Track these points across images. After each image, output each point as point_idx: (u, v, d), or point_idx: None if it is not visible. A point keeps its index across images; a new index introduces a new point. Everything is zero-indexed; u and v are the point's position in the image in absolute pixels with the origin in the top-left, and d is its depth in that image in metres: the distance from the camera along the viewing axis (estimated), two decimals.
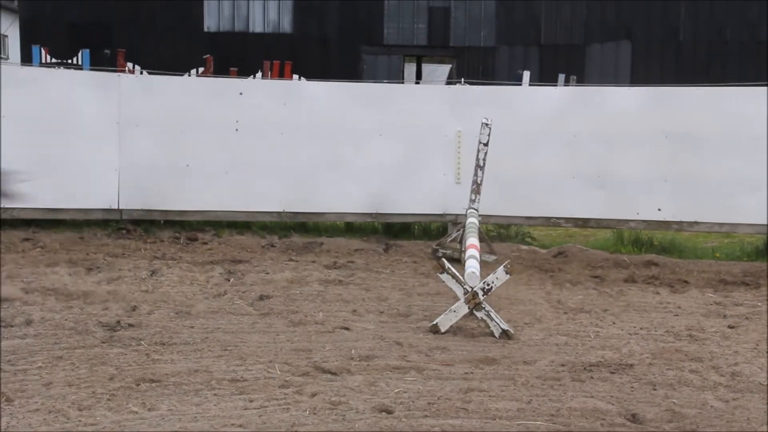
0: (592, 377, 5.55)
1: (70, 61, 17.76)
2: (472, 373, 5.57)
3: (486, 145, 9.14)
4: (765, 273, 8.98)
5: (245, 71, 16.91)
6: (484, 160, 9.19)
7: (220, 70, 16.45)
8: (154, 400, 4.85)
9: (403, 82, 19.40)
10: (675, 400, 5.15)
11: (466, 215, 8.88)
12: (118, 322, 6.43)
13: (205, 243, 9.90)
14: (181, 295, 7.46)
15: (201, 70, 17.83)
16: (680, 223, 10.08)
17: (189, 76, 15.75)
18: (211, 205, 10.35)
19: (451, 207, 10.18)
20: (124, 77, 10.61)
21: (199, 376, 5.27)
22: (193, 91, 10.52)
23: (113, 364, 5.45)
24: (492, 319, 6.48)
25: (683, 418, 4.87)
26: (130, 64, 16.18)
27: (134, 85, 10.39)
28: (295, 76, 16.91)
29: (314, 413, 4.75)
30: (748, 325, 7.00)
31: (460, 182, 10.14)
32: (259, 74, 17.57)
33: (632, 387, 5.39)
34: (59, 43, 19.95)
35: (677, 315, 7.36)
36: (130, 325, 6.36)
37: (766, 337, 6.64)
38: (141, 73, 15.51)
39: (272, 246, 9.89)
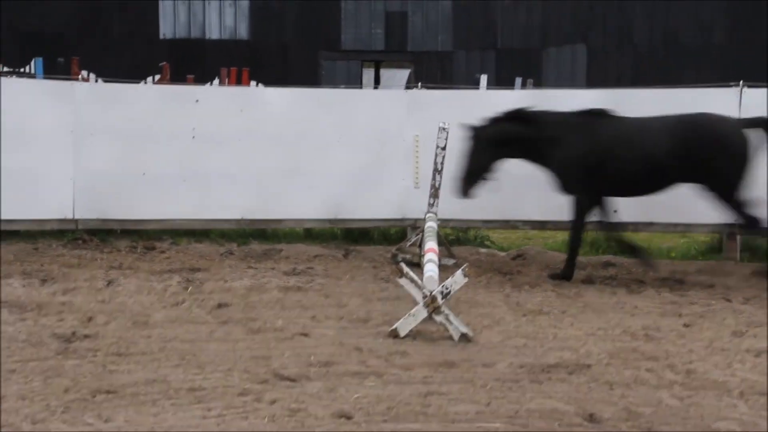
0: (550, 378, 5.59)
1: (22, 69, 17.54)
2: (431, 376, 5.58)
3: (444, 149, 9.18)
4: (719, 272, 9.11)
5: (202, 78, 16.82)
6: (442, 164, 9.22)
7: (177, 77, 16.34)
8: (110, 411, 4.79)
9: (361, 88, 19.39)
10: (631, 399, 5.20)
11: (425, 219, 8.90)
12: (74, 333, 6.35)
13: (163, 252, 9.81)
14: (138, 304, 7.39)
15: (157, 77, 17.69)
16: (636, 224, 10.17)
17: (145, 83, 15.61)
18: (169, 213, 10.27)
19: (410, 211, 10.20)
20: (77, 85, 10.51)
21: (157, 386, 5.22)
22: (149, 99, 10.44)
23: (68, 376, 5.38)
24: (451, 323, 6.50)
25: (639, 417, 4.92)
26: (84, 72, 16.00)
27: (88, 94, 10.29)
28: (253, 83, 16.83)
29: (273, 421, 4.73)
30: (703, 324, 7.09)
31: (418, 186, 10.16)
32: (216, 81, 17.47)
33: (590, 387, 5.43)
34: (11, 51, 19.70)
35: (634, 315, 7.44)
36: (86, 336, 6.28)
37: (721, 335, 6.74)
38: (96, 81, 15.34)
39: (231, 254, 9.83)
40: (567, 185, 8.76)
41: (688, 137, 8.52)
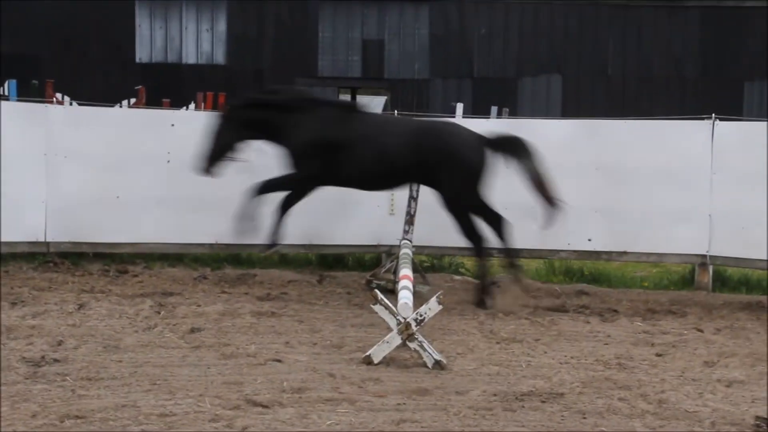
0: (523, 407, 5.59)
1: None
2: (404, 404, 5.56)
3: None
4: (691, 302, 9.17)
5: (178, 102, 16.78)
6: (417, 191, 9.24)
7: (153, 101, 16.28)
8: None
9: None
10: (604, 428, 5.21)
11: (399, 246, 8.90)
12: (43, 357, 6.27)
13: (136, 275, 9.73)
14: (110, 328, 7.32)
15: (133, 101, 17.63)
16: (610, 253, 10.24)
17: (120, 107, 15.55)
18: (142, 237, 10.20)
19: (385, 238, 10.18)
20: (51, 108, 10.45)
21: (127, 411, 5.17)
22: (124, 123, 10.40)
23: (36, 400, 5.31)
24: (425, 350, 6.49)
25: None
26: (59, 95, 15.92)
27: (62, 117, 10.23)
28: None
29: None
30: (675, 353, 7.13)
31: (393, 213, 10.15)
32: (192, 106, 17.44)
33: (562, 416, 5.44)
34: None
35: (607, 344, 7.46)
36: (56, 361, 6.21)
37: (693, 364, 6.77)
38: (71, 104, 15.27)
39: (204, 278, 9.77)
40: (296, 163, 8.89)
41: (422, 142, 8.74)
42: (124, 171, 10.12)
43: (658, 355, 7.08)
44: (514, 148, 8.91)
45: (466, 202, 8.84)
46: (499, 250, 9.16)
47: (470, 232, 8.90)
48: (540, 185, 8.80)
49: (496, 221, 9.00)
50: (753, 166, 9.62)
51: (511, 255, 9.11)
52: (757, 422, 5.37)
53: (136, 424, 4.96)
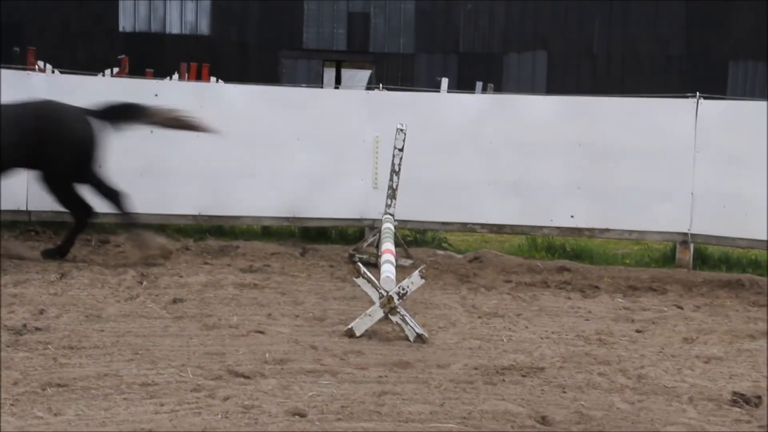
0: (504, 380, 5.63)
1: None
2: (386, 376, 5.59)
3: (401, 150, 9.19)
4: (672, 279, 9.24)
5: (162, 73, 16.65)
6: (399, 165, 9.23)
7: (136, 71, 16.16)
8: (60, 405, 4.74)
9: (322, 87, 19.37)
10: (583, 403, 5.26)
11: (382, 220, 8.91)
12: (25, 325, 6.25)
13: (118, 246, 9.70)
14: (92, 298, 7.30)
15: (116, 70, 17.50)
16: (592, 230, 10.30)
17: (103, 76, 15.44)
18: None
19: (368, 212, 10.19)
20: (33, 75, 10.36)
21: (109, 380, 5.17)
22: (106, 92, 10.27)
23: (18, 368, 5.30)
24: (407, 323, 6.52)
25: (591, 420, 4.98)
26: (41, 63, 15.77)
27: (44, 85, 10.13)
28: (213, 79, 16.72)
29: (226, 417, 4.71)
30: (655, 330, 7.19)
31: (377, 187, 10.16)
32: (176, 76, 17.32)
33: (543, 390, 5.48)
34: None
35: (588, 319, 7.52)
36: (37, 329, 6.20)
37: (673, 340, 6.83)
38: (53, 72, 15.13)
39: (187, 249, 9.74)
40: None
41: (24, 123, 8.63)
42: (107, 141, 10.04)
43: (638, 331, 7.14)
44: (125, 114, 8.94)
45: (71, 178, 8.78)
46: (118, 218, 9.14)
47: (71, 203, 8.93)
48: (181, 124, 8.95)
49: (112, 195, 8.90)
50: (736, 145, 9.67)
51: (130, 223, 9.07)
52: (735, 398, 5.43)
53: (118, 393, 4.96)
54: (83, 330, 6.27)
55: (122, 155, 10.01)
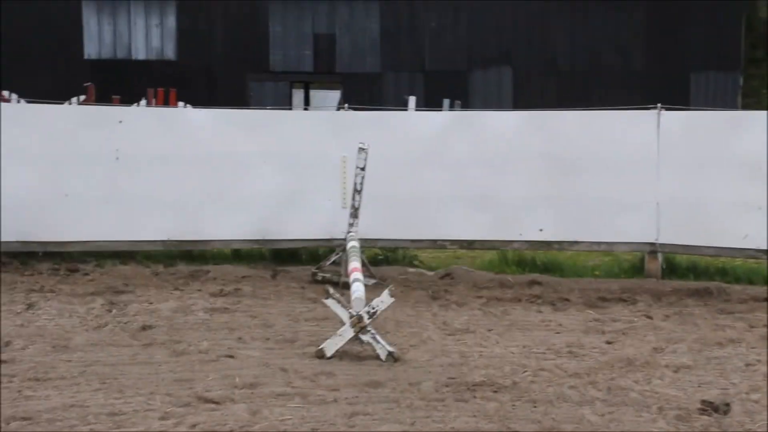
0: (475, 397, 5.63)
1: None
2: (357, 397, 5.57)
3: (363, 169, 9.20)
4: (641, 289, 9.29)
5: (129, 99, 16.57)
6: (361, 184, 9.24)
7: (103, 98, 16.07)
8: None
9: (291, 109, 19.35)
10: (554, 416, 5.27)
11: (346, 239, 8.90)
12: None
13: (87, 274, 9.62)
14: (59, 328, 7.23)
15: (82, 98, 17.39)
16: (561, 242, 10.34)
17: (69, 104, 15.33)
18: (93, 235, 10.08)
19: (337, 232, 10.15)
20: None
21: (75, 411, 5.12)
22: (71, 120, 10.26)
23: None
24: (378, 342, 6.51)
25: None
26: (6, 92, 15.65)
27: (8, 113, 10.06)
28: (181, 104, 16.66)
29: None
30: (625, 341, 7.22)
31: (346, 207, 10.14)
32: (143, 102, 17.25)
33: (514, 405, 5.49)
34: None
35: (558, 333, 7.54)
36: (2, 361, 6.12)
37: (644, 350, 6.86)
38: (18, 101, 15.02)
39: (156, 275, 9.68)
40: None
41: None
42: (73, 169, 10.00)
43: (608, 342, 7.17)
44: None
45: None
46: None
47: None
48: None
49: None
50: (699, 154, 9.77)
51: None
52: (703, 406, 5.46)
53: (84, 424, 4.91)
54: (50, 361, 6.20)
55: (87, 182, 9.97)
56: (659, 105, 10.05)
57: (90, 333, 7.09)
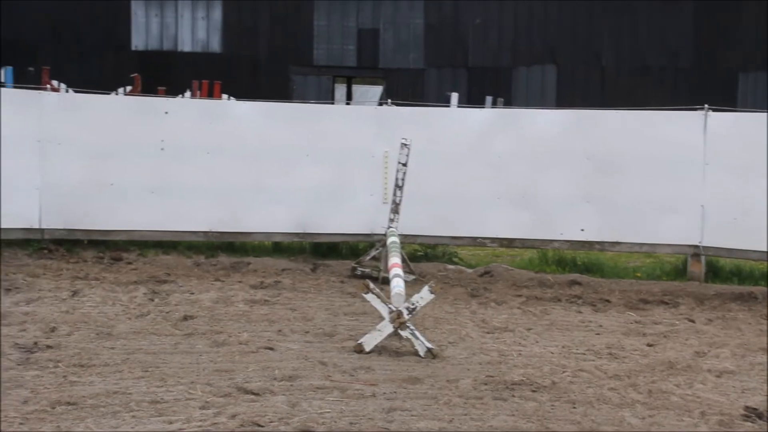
0: (513, 396, 5.61)
1: None
2: (395, 392, 5.58)
3: (405, 165, 9.20)
4: (683, 292, 9.19)
5: (174, 90, 16.72)
6: (403, 180, 9.24)
7: (149, 89, 16.23)
8: (69, 423, 4.75)
9: (333, 103, 19.42)
10: (593, 418, 5.23)
11: (386, 235, 8.91)
12: (36, 343, 6.28)
13: (130, 263, 9.74)
14: (103, 315, 7.33)
15: (129, 89, 17.58)
16: (602, 243, 10.26)
17: (116, 94, 15.52)
18: (137, 224, 10.21)
19: (378, 227, 10.19)
20: (45, 95, 10.43)
21: (118, 397, 5.18)
22: (118, 110, 10.39)
23: (28, 386, 5.32)
24: (417, 338, 6.51)
25: None
26: (54, 82, 15.87)
27: (57, 103, 10.21)
28: (225, 96, 16.78)
29: None
30: (666, 343, 7.15)
31: (387, 202, 10.15)
32: (188, 93, 17.40)
33: (553, 405, 5.46)
34: None
35: (598, 333, 7.48)
36: (48, 347, 6.22)
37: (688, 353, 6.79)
38: (66, 91, 15.24)
39: (198, 266, 9.78)
40: None
41: None
42: (118, 158, 10.12)
43: (649, 345, 7.10)
44: None
45: None
46: None
47: None
48: None
49: None
50: (746, 156, 9.63)
51: None
52: (747, 412, 5.39)
53: (126, 411, 4.97)
54: (94, 348, 6.29)
55: (132, 172, 10.09)
56: (706, 106, 9.92)
57: (133, 321, 7.18)
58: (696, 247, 9.94)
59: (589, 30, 20.71)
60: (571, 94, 20.05)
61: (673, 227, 9.92)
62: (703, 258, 9.99)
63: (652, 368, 6.35)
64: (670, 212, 9.90)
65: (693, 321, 8.06)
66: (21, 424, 4.70)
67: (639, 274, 10.34)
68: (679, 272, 10.25)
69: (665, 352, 6.88)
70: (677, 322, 7.97)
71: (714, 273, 10.07)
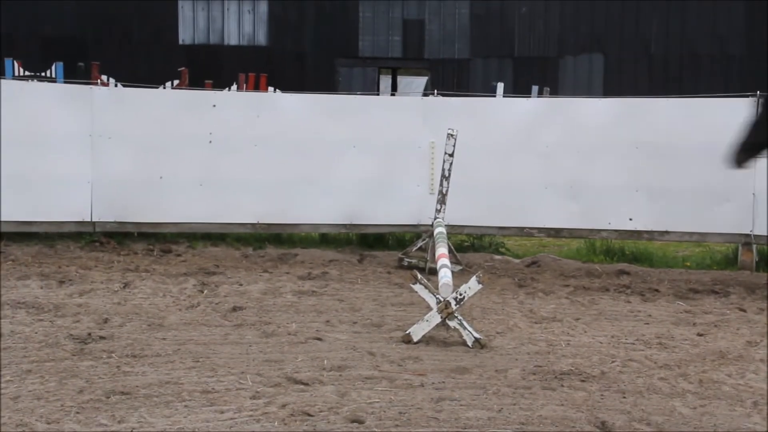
0: (562, 385, 5.59)
1: (43, 73, 17.70)
2: (443, 382, 5.59)
3: (451, 155, 9.18)
4: (734, 281, 9.07)
5: (221, 84, 16.88)
6: (449, 170, 9.22)
7: (196, 82, 16.40)
8: (123, 412, 4.84)
9: (378, 94, 19.44)
10: (644, 408, 5.20)
11: (432, 225, 8.91)
12: (89, 334, 6.40)
13: (179, 255, 9.88)
14: (154, 307, 7.44)
15: (176, 82, 17.79)
16: (651, 232, 10.17)
17: (164, 88, 15.70)
18: (186, 217, 10.34)
19: (424, 217, 10.21)
20: (96, 89, 10.59)
21: (170, 387, 5.26)
22: (166, 104, 10.52)
23: (83, 376, 5.43)
24: (465, 329, 6.51)
25: (651, 426, 4.91)
26: (104, 77, 16.12)
27: (107, 98, 10.37)
28: (271, 89, 16.90)
29: (285, 424, 4.76)
30: (717, 333, 7.07)
31: (433, 193, 10.16)
32: (234, 87, 17.56)
33: (602, 395, 5.43)
34: (33, 55, 19.86)
35: (648, 323, 7.42)
36: (101, 338, 6.34)
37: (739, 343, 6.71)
38: (116, 85, 15.46)
39: (246, 257, 9.88)
40: None
41: None
42: (168, 151, 10.26)
43: (699, 334, 7.03)
44: None
45: None
46: None
47: None
48: None
49: None
50: None
51: None
52: None
53: (179, 400, 5.05)
54: (145, 338, 6.40)
55: (181, 165, 10.21)
56: (758, 92, 9.76)
57: (183, 312, 7.28)
58: (747, 236, 9.80)
59: (637, 18, 20.46)
60: (619, 84, 19.84)
61: (724, 216, 9.79)
62: (754, 247, 9.85)
63: (702, 358, 6.29)
64: (721, 201, 9.77)
65: (744, 310, 7.95)
66: (77, 413, 4.80)
67: (688, 264, 10.22)
68: (730, 261, 10.11)
69: (716, 341, 6.81)
70: (728, 312, 7.88)
71: (766, 262, 9.92)
